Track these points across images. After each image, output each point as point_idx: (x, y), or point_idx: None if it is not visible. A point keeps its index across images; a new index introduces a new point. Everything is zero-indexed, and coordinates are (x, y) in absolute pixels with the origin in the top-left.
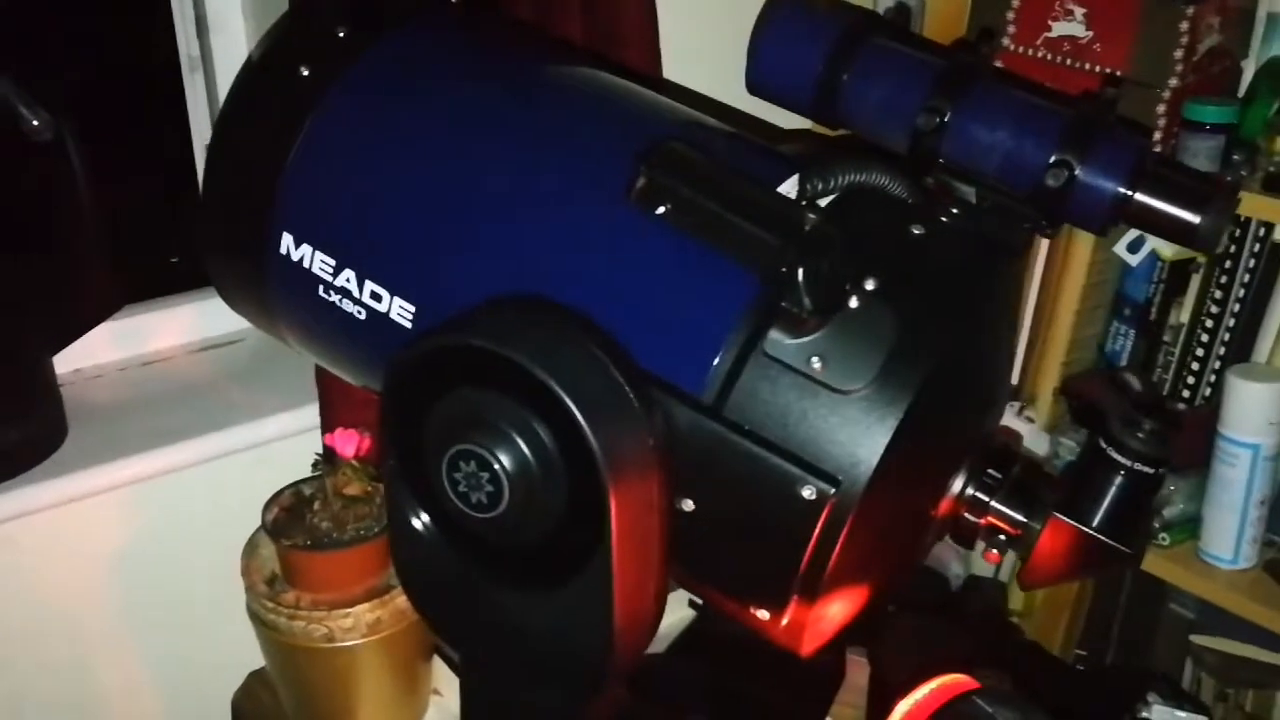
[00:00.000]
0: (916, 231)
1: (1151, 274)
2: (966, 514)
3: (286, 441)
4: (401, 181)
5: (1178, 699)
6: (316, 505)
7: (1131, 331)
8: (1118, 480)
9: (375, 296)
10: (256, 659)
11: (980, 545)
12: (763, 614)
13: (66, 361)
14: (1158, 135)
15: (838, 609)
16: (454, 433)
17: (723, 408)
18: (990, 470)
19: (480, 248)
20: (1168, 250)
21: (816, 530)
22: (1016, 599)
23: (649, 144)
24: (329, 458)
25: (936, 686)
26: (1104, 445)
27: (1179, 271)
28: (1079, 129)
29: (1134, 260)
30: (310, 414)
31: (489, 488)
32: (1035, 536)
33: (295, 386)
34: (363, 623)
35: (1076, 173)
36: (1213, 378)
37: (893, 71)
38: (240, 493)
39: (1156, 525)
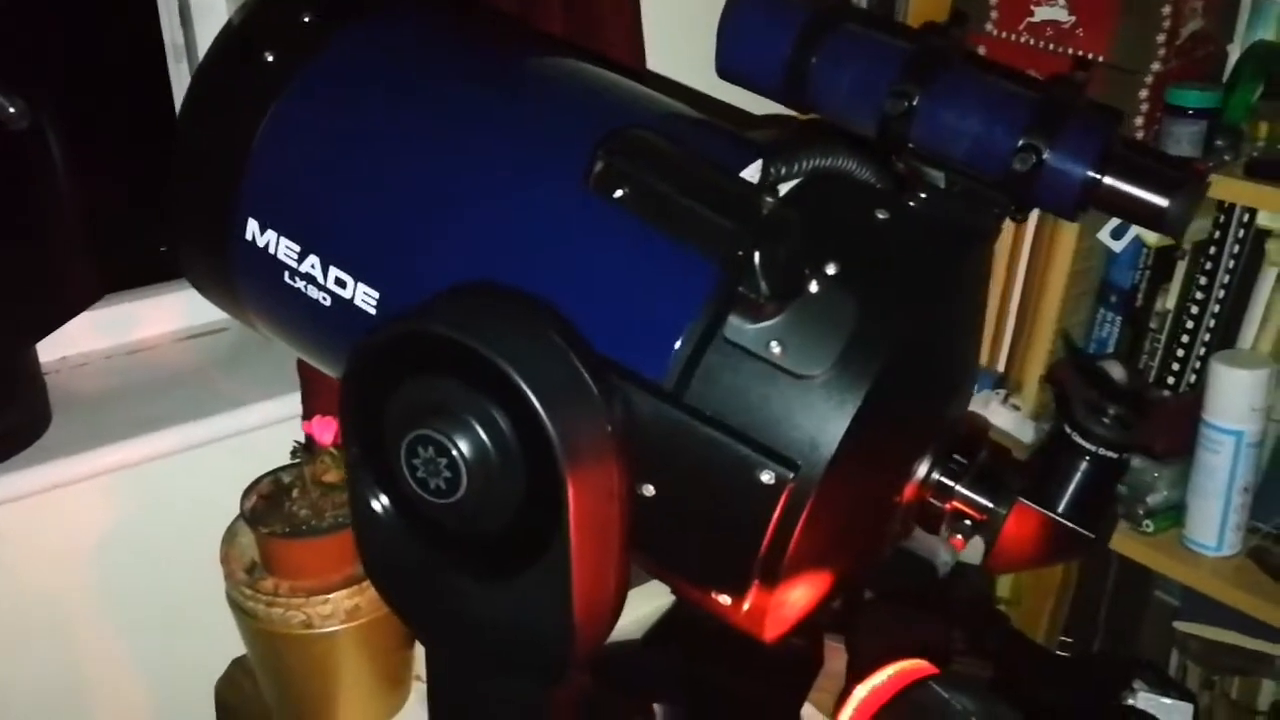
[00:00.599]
0: (881, 216)
1: (1137, 261)
2: (932, 499)
3: (269, 430)
4: (363, 167)
5: (1164, 686)
6: (295, 493)
7: (1118, 319)
8: (1082, 466)
9: (339, 283)
10: (239, 647)
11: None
12: (724, 599)
13: (52, 350)
14: (1140, 121)
15: (800, 594)
16: (413, 418)
17: (683, 394)
18: (956, 455)
19: (442, 234)
20: (1152, 237)
21: (775, 515)
22: (1004, 586)
23: (610, 131)
24: (308, 445)
25: (895, 672)
26: (1069, 431)
27: (1164, 258)
28: (1047, 113)
29: (1118, 247)
30: (293, 402)
31: (447, 474)
32: (1001, 522)
33: (278, 375)
34: (341, 609)
35: (1044, 156)
36: (1198, 365)
37: (861, 55)
38: (223, 480)
39: (1141, 512)
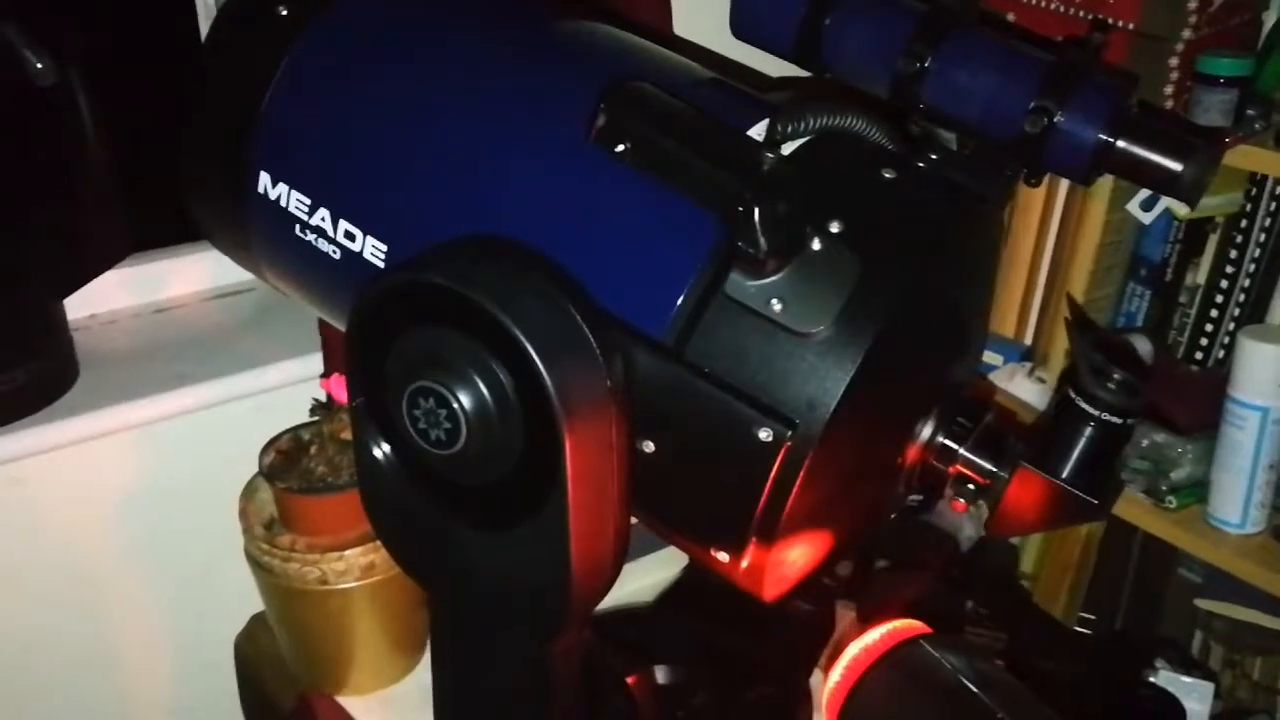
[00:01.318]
0: (887, 175)
1: (1167, 234)
2: (935, 462)
3: (292, 388)
4: (372, 120)
5: (1185, 665)
6: (313, 450)
7: (1147, 292)
8: (1087, 431)
9: (349, 236)
10: (259, 603)
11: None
12: (723, 556)
13: (82, 307)
14: (1169, 89)
15: (799, 554)
16: (413, 370)
17: (683, 350)
18: (960, 419)
19: (446, 186)
20: (1182, 209)
21: (772, 472)
22: (1028, 562)
23: (614, 84)
24: (327, 403)
25: (887, 631)
26: (1073, 395)
27: (1195, 231)
28: (1060, 75)
29: (1147, 218)
30: (315, 361)
31: (447, 425)
32: (1004, 486)
33: (301, 334)
34: (356, 566)
35: (1056, 119)
36: (1227, 339)
37: (874, 15)
38: (246, 437)
39: (1164, 488)
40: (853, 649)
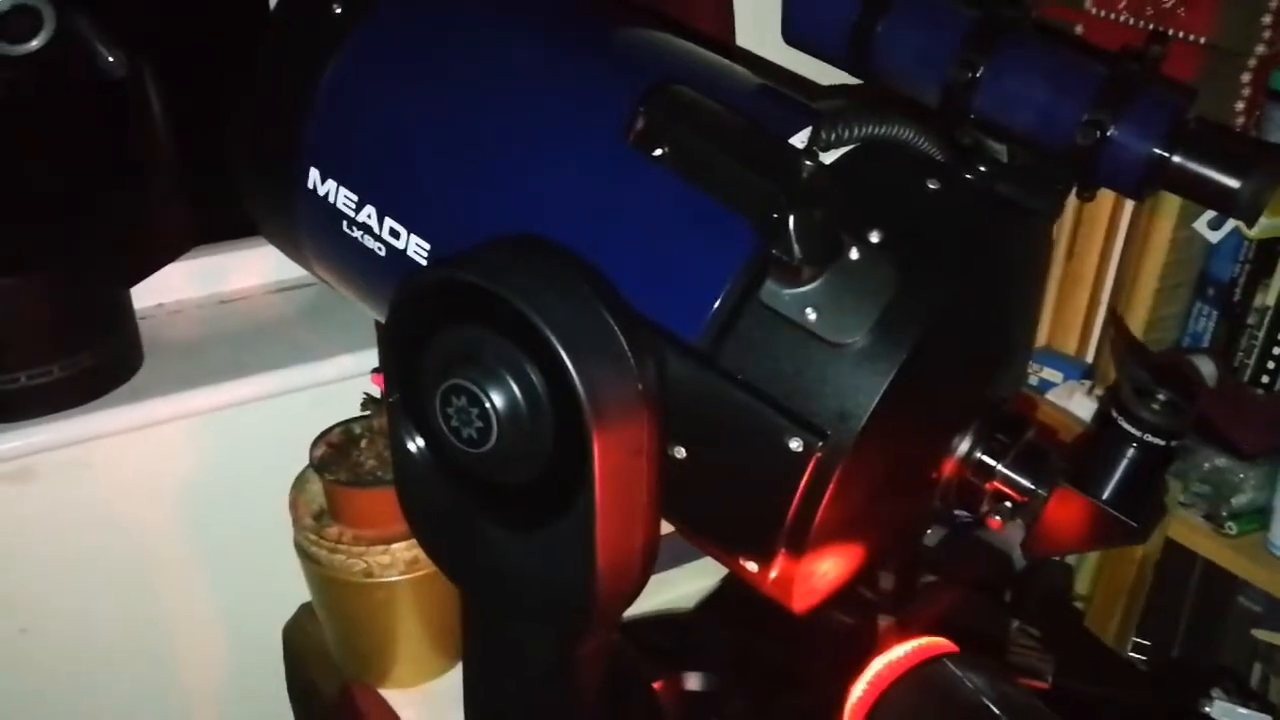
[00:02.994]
0: (932, 186)
1: (1238, 253)
2: (972, 477)
3: (348, 382)
4: (417, 119)
5: (1244, 697)
6: (363, 444)
7: (1214, 313)
8: (1129, 452)
9: (394, 233)
10: (308, 593)
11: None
12: (751, 566)
13: (149, 296)
14: (1240, 106)
15: (829, 565)
16: (448, 368)
17: (716, 356)
18: (999, 434)
19: (488, 187)
20: (1252, 228)
21: (802, 483)
22: (1083, 583)
23: (654, 87)
24: (379, 398)
25: (913, 647)
26: (1115, 415)
27: (1266, 252)
28: (1116, 86)
29: (1215, 237)
30: (371, 357)
31: (479, 423)
32: (1041, 505)
33: (359, 329)
34: (400, 560)
35: (1110, 132)
36: None
37: (927, 22)
38: (302, 429)
39: (1224, 514)
40: (877, 664)
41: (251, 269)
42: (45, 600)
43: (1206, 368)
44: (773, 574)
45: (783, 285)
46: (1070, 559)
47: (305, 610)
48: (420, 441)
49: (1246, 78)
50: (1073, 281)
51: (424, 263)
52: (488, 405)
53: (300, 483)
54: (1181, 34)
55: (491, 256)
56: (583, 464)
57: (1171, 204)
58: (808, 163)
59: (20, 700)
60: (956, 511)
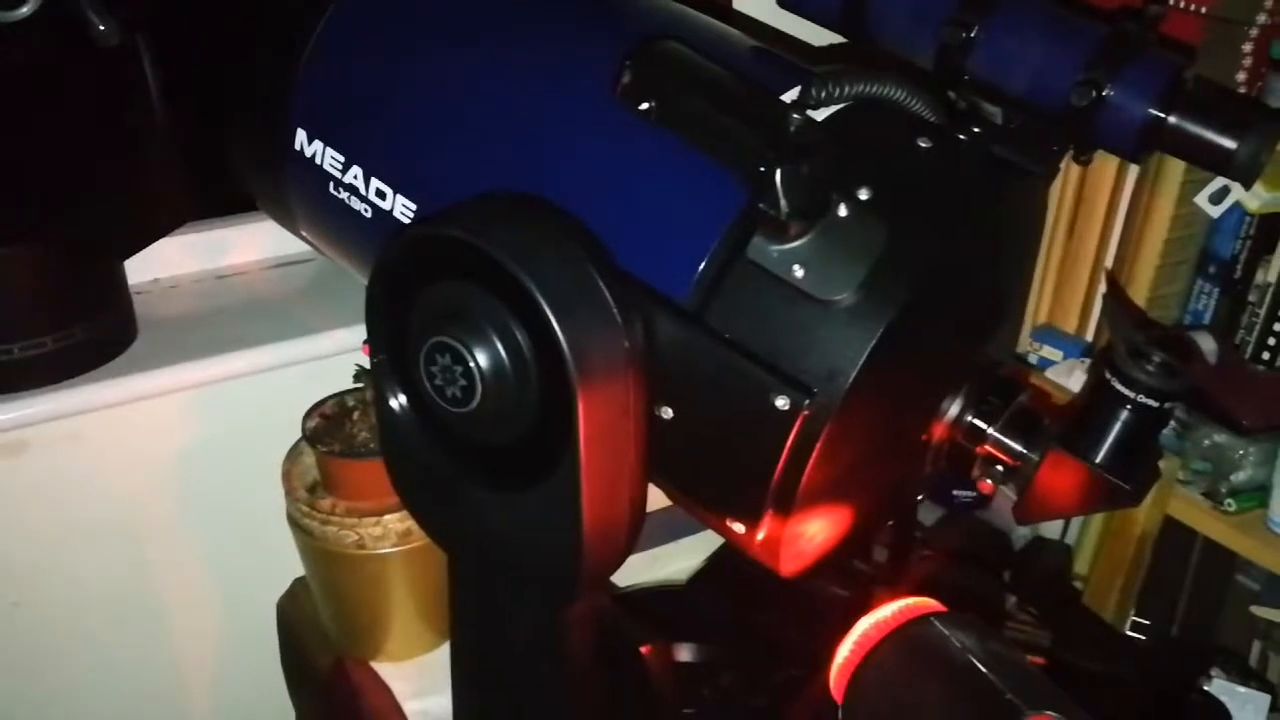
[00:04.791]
0: (923, 145)
1: (1239, 229)
2: (963, 441)
3: (344, 356)
4: (404, 78)
5: (1243, 675)
6: (356, 415)
7: (1216, 290)
8: (1122, 414)
9: (380, 194)
10: (302, 566)
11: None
12: (739, 527)
13: (145, 271)
14: (1242, 76)
15: (817, 528)
16: (432, 325)
17: (704, 314)
18: (991, 397)
19: (475, 144)
20: (1253, 202)
21: (789, 442)
22: (1083, 563)
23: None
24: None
25: (900, 607)
26: (1109, 376)
27: (1268, 227)
28: (1111, 47)
29: (1215, 212)
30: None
31: (463, 381)
32: (1033, 469)
33: (356, 303)
34: (393, 532)
35: (1105, 92)
36: None
37: None
38: (297, 403)
39: (1224, 490)
40: (863, 624)
41: (249, 244)
42: (38, 574)
43: (1207, 344)
44: (760, 535)
45: (770, 241)
46: (1070, 539)
47: (299, 584)
48: (404, 400)
49: (1248, 47)
50: (1073, 259)
51: (410, 223)
52: (471, 364)
53: (294, 455)
54: (1184, 4)
55: (476, 212)
56: (568, 424)
57: (1173, 181)
58: (795, 116)
59: (13, 674)
60: (955, 492)
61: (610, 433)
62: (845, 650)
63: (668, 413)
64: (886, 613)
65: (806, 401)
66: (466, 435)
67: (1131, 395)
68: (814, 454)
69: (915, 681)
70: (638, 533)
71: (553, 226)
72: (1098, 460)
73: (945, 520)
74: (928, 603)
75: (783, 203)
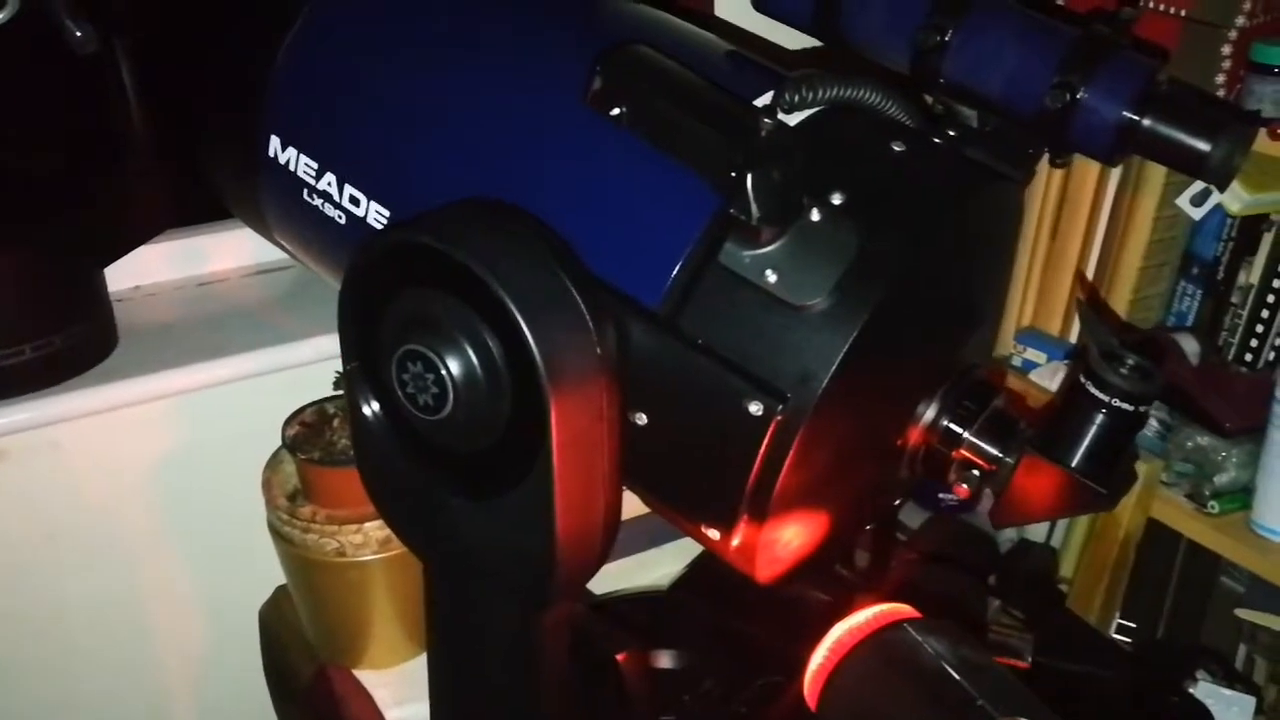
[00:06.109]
0: (896, 149)
1: (1221, 231)
2: (938, 445)
3: (325, 364)
4: (376, 84)
5: (1229, 678)
6: (336, 423)
7: (1199, 291)
8: (1097, 418)
9: (354, 200)
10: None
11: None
12: (714, 533)
13: (126, 279)
14: (1221, 79)
15: (793, 533)
16: (403, 333)
17: (677, 320)
18: (966, 401)
19: (446, 151)
20: (1235, 204)
21: (763, 446)
22: (1068, 566)
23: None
24: None
25: (874, 614)
26: (1083, 380)
27: (1249, 230)
28: (1085, 49)
29: (1197, 214)
30: None
31: (434, 389)
32: (1009, 472)
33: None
34: (373, 539)
35: (1079, 95)
36: (1279, 341)
37: None
38: (278, 411)
39: (1207, 492)
40: (837, 630)
41: (230, 251)
42: (16, 582)
43: (1190, 346)
44: (735, 541)
45: (742, 247)
46: (1056, 542)
47: (282, 592)
48: (377, 408)
49: (1227, 50)
50: (1056, 262)
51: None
52: (443, 371)
53: (275, 462)
54: (1162, 6)
55: (447, 219)
56: (540, 431)
57: (1155, 183)
58: (767, 121)
59: None
60: (941, 495)
61: (583, 439)
62: (819, 656)
63: (641, 418)
64: (860, 619)
65: (780, 407)
66: (439, 442)
67: (1106, 399)
68: (788, 459)
69: (888, 687)
70: (613, 538)
71: (524, 233)
72: (1073, 464)
73: (930, 523)
74: (902, 608)
75: (754, 208)
